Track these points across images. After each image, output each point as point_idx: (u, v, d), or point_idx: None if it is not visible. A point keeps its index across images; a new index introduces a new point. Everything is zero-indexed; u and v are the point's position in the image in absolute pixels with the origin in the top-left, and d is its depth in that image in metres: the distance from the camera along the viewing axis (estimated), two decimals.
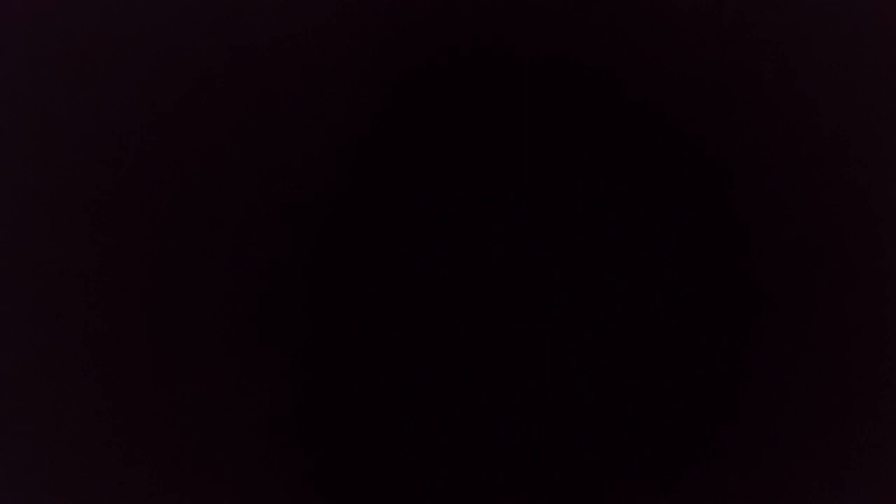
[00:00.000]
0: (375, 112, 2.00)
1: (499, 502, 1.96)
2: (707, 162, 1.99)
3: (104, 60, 2.01)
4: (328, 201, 1.99)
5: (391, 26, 2.00)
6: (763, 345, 1.97)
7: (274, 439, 1.96)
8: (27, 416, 1.96)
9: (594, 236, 1.97)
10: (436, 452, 1.96)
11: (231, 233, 1.98)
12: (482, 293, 1.98)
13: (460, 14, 2.00)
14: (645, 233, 1.98)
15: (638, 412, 1.96)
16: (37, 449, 1.96)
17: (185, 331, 1.97)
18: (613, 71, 1.99)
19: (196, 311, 1.97)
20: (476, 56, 2.00)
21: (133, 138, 1.99)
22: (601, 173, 1.99)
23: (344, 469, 1.96)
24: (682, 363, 1.96)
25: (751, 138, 1.99)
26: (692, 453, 1.95)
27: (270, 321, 1.97)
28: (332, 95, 1.99)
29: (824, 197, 1.99)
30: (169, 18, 1.99)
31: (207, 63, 2.00)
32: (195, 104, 1.99)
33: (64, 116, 2.00)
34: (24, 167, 1.96)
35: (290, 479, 1.96)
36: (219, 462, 1.95)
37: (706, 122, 1.99)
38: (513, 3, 2.00)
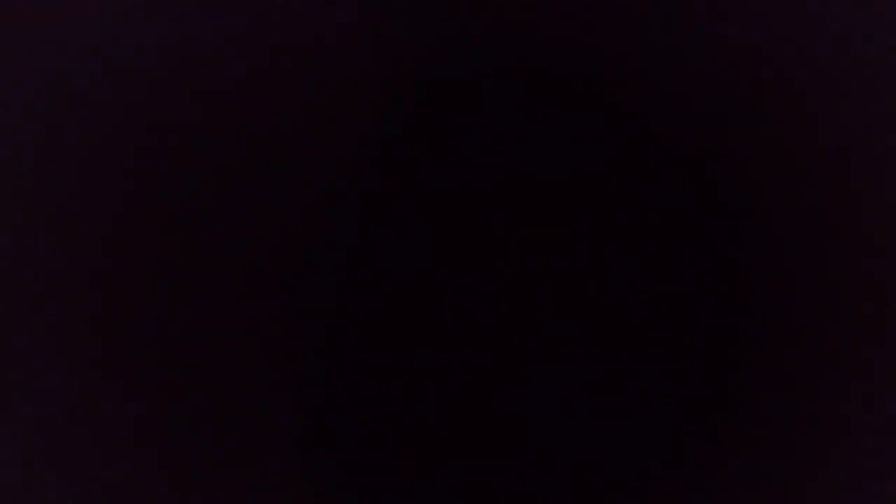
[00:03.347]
0: (386, 117, 2.00)
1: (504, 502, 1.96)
2: (706, 163, 1.99)
3: (115, 64, 2.01)
4: (339, 205, 1.99)
5: (405, 31, 2.01)
6: (761, 345, 1.97)
7: (282, 442, 1.96)
8: (28, 417, 1.96)
9: (598, 238, 1.98)
10: (444, 454, 1.96)
11: (238, 235, 1.98)
12: (490, 296, 1.98)
13: (474, 19, 2.00)
14: (648, 235, 1.98)
15: (638, 413, 1.96)
16: (38, 449, 1.96)
17: (192, 332, 1.97)
18: (623, 74, 2.00)
19: (203, 313, 1.97)
20: (486, 61, 2.00)
21: (148, 142, 1.99)
22: (608, 176, 1.99)
23: (351, 472, 1.96)
24: (680, 364, 1.97)
25: (750, 140, 2.00)
26: (689, 455, 1.96)
27: (280, 325, 1.97)
28: (346, 101, 2.00)
29: (824, 197, 1.99)
30: (184, 21, 2.00)
31: (221, 66, 2.01)
32: (205, 107, 1.99)
33: (73, 118, 2.00)
34: (42, 167, 1.97)
35: (296, 483, 1.96)
36: (223, 464, 1.96)
37: (705, 123, 1.99)
38: (523, 9, 2.01)
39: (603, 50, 2.01)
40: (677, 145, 2.00)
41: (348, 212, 1.99)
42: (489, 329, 1.98)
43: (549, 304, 1.98)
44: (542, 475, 1.96)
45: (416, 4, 2.01)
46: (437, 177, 2.00)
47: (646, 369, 1.97)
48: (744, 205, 1.99)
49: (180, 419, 1.96)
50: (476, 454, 1.97)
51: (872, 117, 2.00)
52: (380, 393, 1.97)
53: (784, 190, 2.00)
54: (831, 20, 2.02)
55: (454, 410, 1.97)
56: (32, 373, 1.97)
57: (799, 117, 2.01)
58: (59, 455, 1.96)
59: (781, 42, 2.02)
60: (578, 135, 2.00)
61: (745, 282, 1.98)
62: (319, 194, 1.99)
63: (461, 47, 2.01)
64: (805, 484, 1.96)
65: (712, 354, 1.97)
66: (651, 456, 1.96)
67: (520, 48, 2.01)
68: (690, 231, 1.99)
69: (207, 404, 1.96)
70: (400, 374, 1.97)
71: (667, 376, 1.97)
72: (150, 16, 2.02)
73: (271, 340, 1.97)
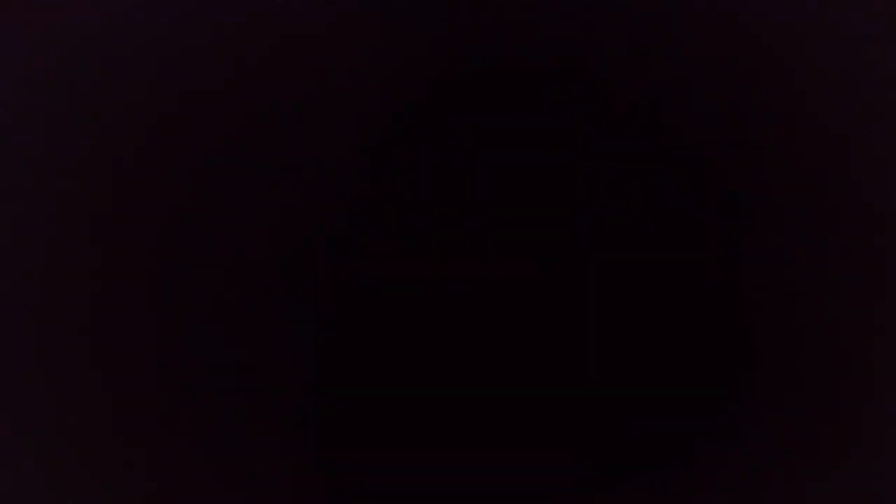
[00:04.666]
0: (385, 116, 2.00)
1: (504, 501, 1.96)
2: (706, 163, 1.99)
3: (113, 64, 2.01)
4: (340, 207, 1.99)
5: (405, 30, 2.01)
6: (759, 346, 1.97)
7: (281, 442, 1.96)
8: (28, 417, 1.97)
9: (598, 237, 1.98)
10: (445, 454, 1.96)
11: (236, 235, 1.98)
12: (491, 295, 1.98)
13: (474, 19, 2.00)
14: (649, 234, 1.98)
15: (638, 414, 1.96)
16: (38, 449, 1.96)
17: (190, 332, 1.97)
18: (618, 73, 2.00)
19: (202, 313, 1.97)
20: (486, 61, 2.00)
21: (145, 141, 1.99)
22: (608, 176, 1.99)
23: (351, 472, 1.96)
24: (679, 364, 1.97)
25: (749, 139, 2.00)
26: (688, 456, 1.96)
27: (282, 328, 1.97)
28: (345, 99, 1.99)
29: (824, 197, 1.99)
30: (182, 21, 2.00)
31: (218, 66, 2.01)
32: (203, 106, 1.99)
33: (74, 117, 2.00)
34: (38, 166, 1.97)
35: (296, 481, 1.96)
36: (222, 465, 1.96)
37: (705, 122, 1.99)
38: (523, 9, 2.01)
39: (603, 49, 2.01)
40: (678, 144, 2.00)
41: (347, 212, 1.99)
42: (489, 328, 1.98)
43: (549, 302, 1.98)
44: (541, 475, 1.96)
45: (416, 3, 2.01)
46: (436, 176, 2.00)
47: (645, 368, 1.97)
48: (744, 203, 1.99)
49: (179, 419, 1.96)
50: (475, 454, 1.97)
51: (872, 117, 2.00)
52: (378, 394, 1.97)
53: (783, 189, 1.99)
54: (831, 19, 2.02)
55: (455, 411, 1.97)
56: (33, 373, 1.97)
57: (799, 116, 2.00)
58: (58, 455, 1.97)
59: (781, 40, 2.02)
60: (578, 134, 2.00)
61: (745, 280, 1.98)
62: (317, 193, 1.99)
63: (461, 47, 2.01)
64: (805, 484, 1.96)
65: (711, 354, 1.97)
66: (651, 456, 1.96)
67: (520, 48, 2.01)
68: (691, 231, 1.98)
69: (206, 405, 1.96)
70: (399, 374, 1.97)
71: (665, 376, 1.97)
72: (148, 15, 2.02)
73: (268, 340, 1.97)
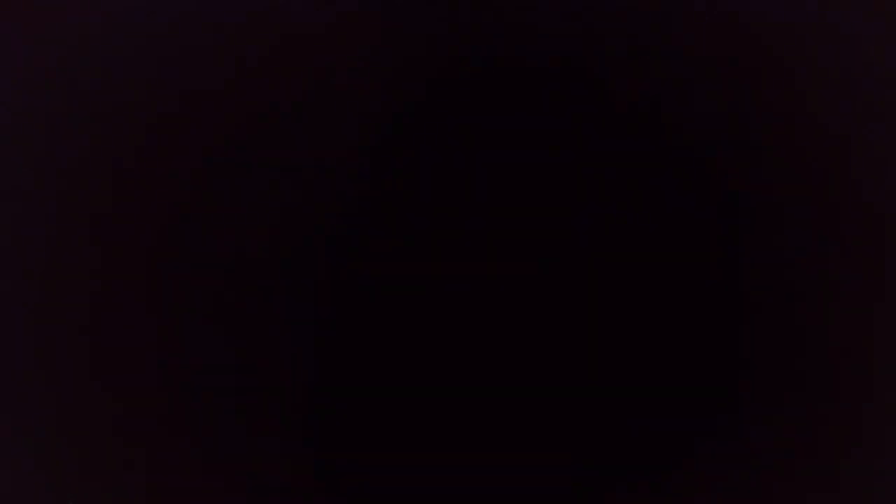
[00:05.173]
0: (385, 116, 2.00)
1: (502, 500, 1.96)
2: (706, 164, 1.99)
3: (113, 64, 2.01)
4: (340, 207, 1.99)
5: (405, 30, 2.00)
6: (759, 346, 1.97)
7: (280, 442, 1.96)
8: (28, 417, 1.96)
9: (598, 238, 1.98)
10: (443, 453, 1.96)
11: (235, 236, 1.98)
12: (491, 295, 1.98)
13: (475, 18, 2.00)
14: (649, 234, 1.98)
15: (638, 414, 1.96)
16: (38, 449, 1.96)
17: (188, 332, 1.97)
18: (618, 73, 1.99)
19: (201, 313, 1.97)
20: (486, 61, 2.00)
21: (147, 142, 1.99)
22: (608, 176, 1.99)
23: (351, 472, 1.96)
24: (679, 364, 1.96)
25: (749, 139, 2.00)
26: (687, 455, 1.96)
27: (282, 329, 1.97)
28: (345, 99, 1.99)
29: (824, 197, 1.99)
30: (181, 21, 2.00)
31: (218, 66, 2.00)
32: (203, 107, 1.99)
33: (74, 116, 2.00)
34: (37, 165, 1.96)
35: (294, 481, 1.96)
36: (221, 465, 1.95)
37: (705, 123, 1.99)
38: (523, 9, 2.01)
39: (603, 49, 2.00)
40: (678, 144, 1.99)
41: (347, 212, 1.99)
42: (489, 328, 1.98)
43: (549, 302, 1.98)
44: (541, 475, 1.96)
45: (416, 3, 2.01)
46: (436, 176, 1.99)
47: (645, 368, 1.97)
48: (744, 203, 1.99)
49: (179, 419, 1.96)
50: (475, 454, 1.97)
51: (872, 117, 2.00)
52: (378, 394, 1.97)
53: (783, 189, 1.99)
54: (831, 19, 2.02)
55: (455, 411, 1.97)
56: (33, 373, 1.97)
57: (799, 116, 2.00)
58: (58, 455, 1.96)
59: (781, 40, 2.01)
60: (578, 134, 2.00)
61: (745, 280, 1.98)
62: (317, 193, 1.99)
63: (461, 47, 2.01)
64: (805, 484, 1.96)
65: (711, 354, 1.97)
66: (651, 456, 1.96)
67: (520, 48, 2.01)
68: (691, 231, 1.98)
69: (206, 405, 1.96)
70: (399, 374, 1.97)
71: (665, 376, 1.97)
72: (148, 15, 2.02)
73: (268, 340, 1.97)
